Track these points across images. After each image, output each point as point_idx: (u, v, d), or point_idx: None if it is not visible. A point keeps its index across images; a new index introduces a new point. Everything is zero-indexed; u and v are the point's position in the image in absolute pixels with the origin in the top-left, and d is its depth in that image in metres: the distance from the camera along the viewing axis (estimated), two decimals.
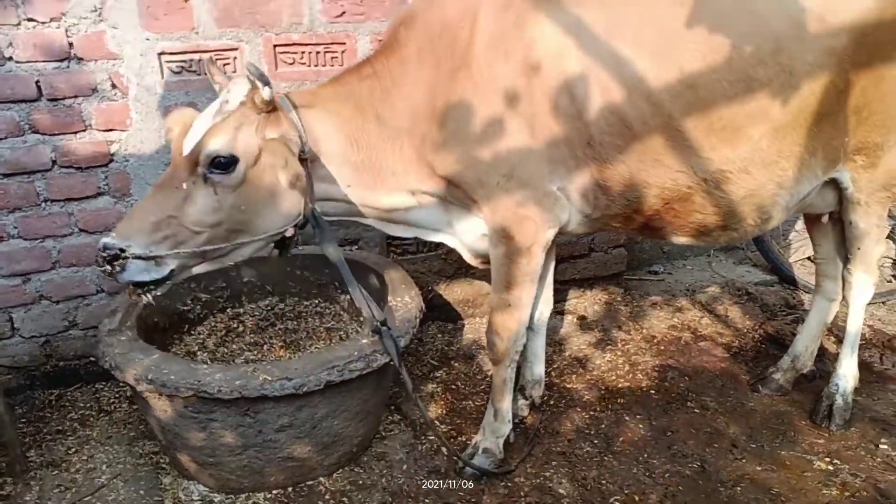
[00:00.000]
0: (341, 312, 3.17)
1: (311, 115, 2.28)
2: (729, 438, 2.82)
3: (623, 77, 2.16)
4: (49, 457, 2.79)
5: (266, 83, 2.07)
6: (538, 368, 2.96)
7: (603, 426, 2.90)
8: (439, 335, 3.65)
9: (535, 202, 2.31)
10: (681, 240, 2.55)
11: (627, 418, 2.95)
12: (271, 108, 2.15)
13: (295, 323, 3.11)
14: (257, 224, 2.20)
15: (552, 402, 3.06)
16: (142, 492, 2.59)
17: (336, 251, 2.40)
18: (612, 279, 4.07)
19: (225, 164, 2.08)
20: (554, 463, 2.70)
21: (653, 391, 3.15)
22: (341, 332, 3.02)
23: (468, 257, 2.65)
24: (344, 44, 3.08)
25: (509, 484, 2.59)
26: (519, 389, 2.87)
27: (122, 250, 2.01)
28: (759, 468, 2.64)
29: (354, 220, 2.55)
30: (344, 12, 3.03)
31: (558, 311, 3.81)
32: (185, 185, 2.08)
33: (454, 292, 3.74)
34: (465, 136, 2.24)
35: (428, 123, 2.30)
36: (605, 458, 2.72)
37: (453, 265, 3.66)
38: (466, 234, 2.54)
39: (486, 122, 2.22)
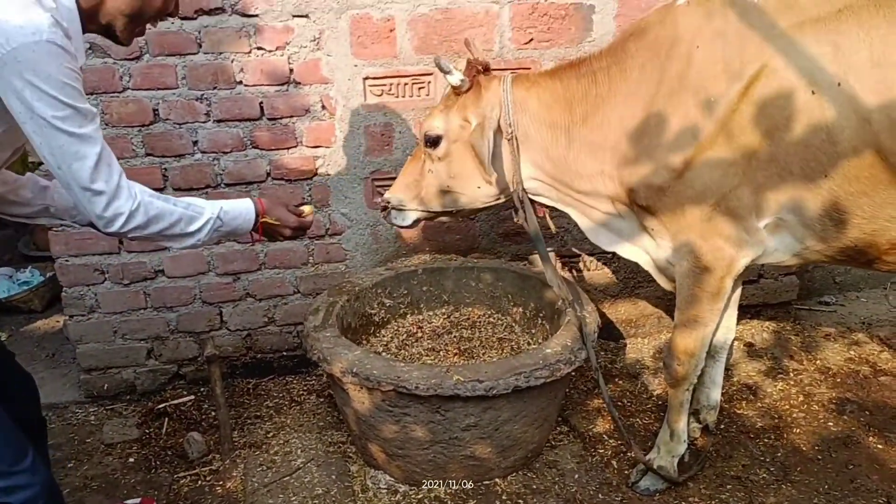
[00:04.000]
0: (513, 324, 3.31)
1: (521, 97, 2.55)
2: None
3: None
4: (250, 438, 3.10)
5: (447, 71, 2.51)
6: (714, 394, 2.92)
7: (779, 454, 2.86)
8: (602, 353, 3.70)
9: (736, 234, 2.30)
10: None
11: (805, 449, 2.89)
12: (466, 90, 2.56)
13: (469, 332, 3.27)
14: (464, 191, 2.68)
15: (722, 427, 3.04)
16: (333, 476, 2.82)
17: (535, 226, 2.64)
18: (781, 307, 3.96)
19: (433, 140, 2.63)
20: (729, 486, 2.69)
21: (830, 423, 3.05)
22: (513, 343, 3.16)
23: (663, 281, 2.64)
24: (529, 68, 3.23)
25: (683, 503, 2.62)
26: (693, 413, 2.87)
27: (388, 202, 2.80)
28: None
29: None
30: (532, 39, 3.19)
31: None
32: (422, 156, 2.71)
33: (618, 311, 3.79)
34: (671, 163, 2.25)
35: (637, 141, 2.31)
36: (784, 486, 2.68)
37: (619, 284, 3.72)
38: (661, 254, 2.54)
39: (697, 151, 2.21)
